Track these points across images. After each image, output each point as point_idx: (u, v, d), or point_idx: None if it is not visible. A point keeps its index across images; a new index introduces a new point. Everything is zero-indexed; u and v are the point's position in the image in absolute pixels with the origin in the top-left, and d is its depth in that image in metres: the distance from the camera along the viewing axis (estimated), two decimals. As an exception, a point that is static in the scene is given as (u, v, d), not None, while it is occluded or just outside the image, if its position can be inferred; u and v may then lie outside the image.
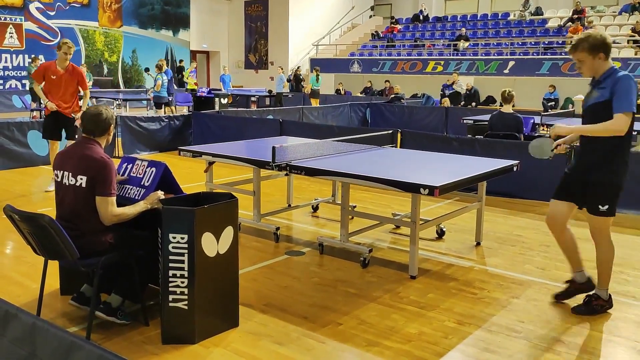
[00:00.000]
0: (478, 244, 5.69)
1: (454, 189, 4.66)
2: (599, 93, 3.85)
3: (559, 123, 4.26)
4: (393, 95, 17.99)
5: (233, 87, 21.50)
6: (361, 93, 22.50)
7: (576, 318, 4.03)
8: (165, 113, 14.56)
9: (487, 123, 8.68)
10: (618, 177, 3.93)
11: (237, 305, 3.79)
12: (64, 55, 7.41)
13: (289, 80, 22.77)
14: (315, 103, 18.24)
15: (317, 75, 19.67)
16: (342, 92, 22.53)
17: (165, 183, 3.98)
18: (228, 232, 3.61)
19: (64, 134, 7.86)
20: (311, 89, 19.48)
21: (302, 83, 22.39)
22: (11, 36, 20.18)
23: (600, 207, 3.95)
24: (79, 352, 1.89)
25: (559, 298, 4.29)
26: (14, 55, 20.26)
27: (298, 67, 23.82)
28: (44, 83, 7.64)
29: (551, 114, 12.48)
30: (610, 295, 4.13)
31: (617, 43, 19.62)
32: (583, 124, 4.01)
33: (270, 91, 20.08)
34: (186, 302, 3.49)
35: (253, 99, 19.51)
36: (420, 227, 4.82)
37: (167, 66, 19.61)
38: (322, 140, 6.27)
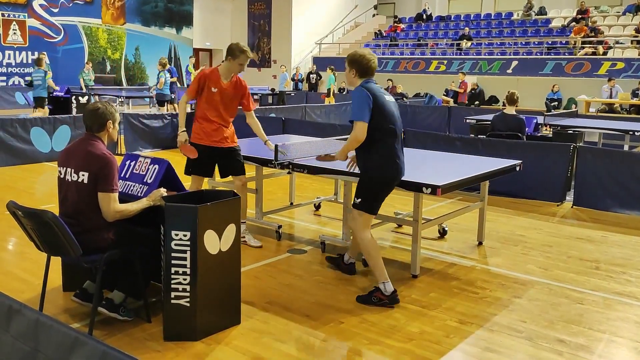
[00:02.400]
0: (480, 243, 5.68)
1: (456, 188, 4.66)
2: None
3: None
4: (395, 94, 17.97)
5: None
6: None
7: (577, 318, 4.03)
8: (167, 110, 14.57)
9: (489, 123, 8.67)
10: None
11: (239, 302, 3.80)
12: (238, 68, 5.16)
13: (300, 80, 22.78)
14: (332, 101, 18.22)
15: (334, 75, 19.92)
16: (345, 91, 22.50)
17: (168, 180, 3.98)
18: (230, 230, 3.62)
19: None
20: (327, 89, 19.61)
21: (318, 82, 22.29)
22: (14, 33, 20.19)
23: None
24: (82, 348, 1.90)
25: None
26: (17, 52, 20.26)
27: (297, 68, 23.79)
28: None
29: (554, 114, 12.46)
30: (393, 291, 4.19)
31: (621, 43, 19.58)
32: None
33: (273, 89, 20.10)
34: (188, 299, 3.50)
35: (255, 97, 19.52)
36: (422, 226, 4.82)
37: (171, 64, 19.67)
38: (324, 138, 6.27)
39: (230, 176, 5.47)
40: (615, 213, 6.95)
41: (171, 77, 15.13)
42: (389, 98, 4.25)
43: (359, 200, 4.17)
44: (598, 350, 3.57)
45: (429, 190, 4.34)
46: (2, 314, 2.26)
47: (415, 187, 4.45)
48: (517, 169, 5.54)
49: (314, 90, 21.75)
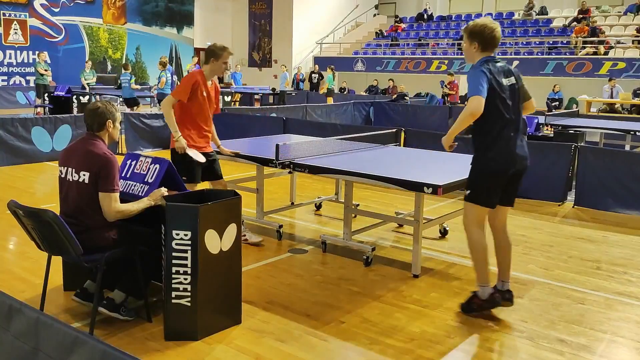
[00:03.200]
0: (481, 243, 5.67)
1: (457, 188, 4.64)
2: None
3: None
4: (397, 94, 17.96)
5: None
6: (365, 92, 22.47)
7: (578, 318, 4.02)
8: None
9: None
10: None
11: (240, 302, 3.80)
12: (223, 67, 5.12)
13: (302, 80, 22.81)
14: (330, 101, 18.22)
15: (333, 74, 19.93)
16: (346, 91, 22.51)
17: (169, 180, 3.98)
18: (231, 229, 3.61)
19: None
20: (327, 88, 19.62)
21: (320, 82, 22.32)
22: (15, 32, 20.19)
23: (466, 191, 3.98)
24: (82, 347, 1.90)
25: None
26: (18, 52, 20.26)
27: (299, 67, 23.79)
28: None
29: (555, 114, 12.46)
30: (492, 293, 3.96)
31: (622, 43, 19.57)
32: None
33: (273, 89, 20.11)
34: (189, 299, 3.50)
35: (257, 96, 19.52)
36: (423, 226, 4.81)
37: (171, 63, 19.70)
38: (325, 138, 6.27)
39: (207, 181, 5.21)
40: (617, 213, 6.94)
41: (171, 76, 15.22)
42: (508, 81, 3.82)
43: (469, 192, 3.91)
44: (599, 351, 3.56)
45: (430, 189, 4.33)
46: (3, 313, 2.26)
47: (417, 187, 4.45)
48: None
49: (315, 90, 21.76)
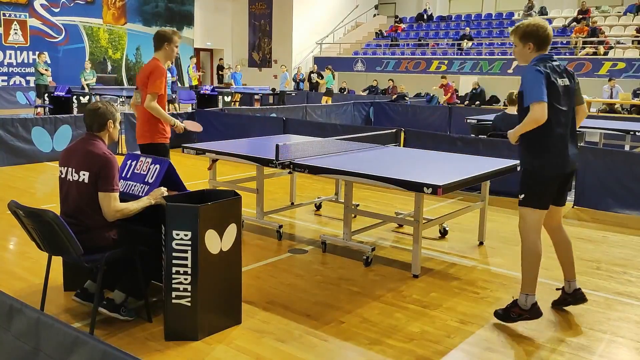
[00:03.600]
0: (481, 243, 5.68)
1: (457, 188, 4.65)
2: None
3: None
4: (397, 95, 17.97)
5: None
6: (363, 91, 22.49)
7: (578, 318, 4.02)
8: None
9: (490, 123, 8.67)
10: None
11: (240, 302, 3.80)
12: (175, 50, 5.26)
13: (302, 80, 22.85)
14: (329, 101, 18.23)
15: (333, 74, 20.23)
16: (346, 91, 22.52)
17: (169, 180, 3.99)
18: (231, 229, 3.62)
19: None
20: (326, 88, 19.68)
21: (318, 81, 22.38)
22: (16, 33, 20.20)
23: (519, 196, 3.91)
24: (83, 347, 1.90)
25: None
26: (18, 52, 20.27)
27: (299, 67, 23.82)
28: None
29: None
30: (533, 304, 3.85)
31: (622, 44, 19.58)
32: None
33: (273, 89, 20.13)
34: (189, 299, 3.50)
35: (257, 97, 19.53)
36: (423, 226, 4.82)
37: (172, 63, 19.69)
38: (325, 138, 6.27)
39: None
40: (616, 213, 6.95)
41: (171, 76, 15.26)
42: (562, 82, 3.74)
43: (523, 195, 3.82)
44: (599, 351, 3.57)
45: (430, 190, 4.33)
46: (4, 313, 2.26)
47: (416, 187, 4.45)
48: (518, 168, 5.53)
49: (315, 90, 21.79)
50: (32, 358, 2.12)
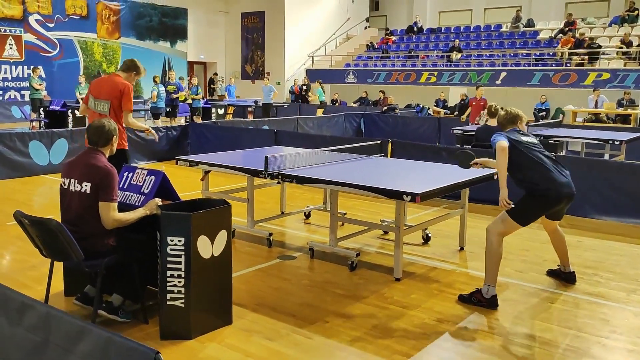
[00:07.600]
0: (461, 248, 5.96)
1: (436, 195, 4.92)
2: None
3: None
4: (387, 106, 18.30)
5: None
6: (354, 103, 22.84)
7: (547, 316, 4.30)
8: (162, 123, 14.85)
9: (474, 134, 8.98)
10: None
11: (231, 303, 4.06)
12: (134, 81, 6.41)
13: (292, 93, 23.25)
14: (320, 113, 18.54)
15: (322, 88, 20.92)
16: (338, 103, 22.86)
17: (163, 190, 4.25)
18: (222, 236, 3.89)
19: None
20: (319, 101, 20.05)
21: (308, 94, 22.77)
22: (11, 48, 20.46)
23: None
24: (88, 335, 2.16)
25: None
26: (13, 67, 20.53)
27: (295, 79, 24.19)
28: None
29: (542, 124, 12.81)
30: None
31: (607, 54, 20.01)
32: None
33: (256, 101, 20.05)
34: (183, 301, 3.76)
35: (250, 109, 19.78)
36: (404, 232, 5.09)
37: (165, 77, 19.98)
38: (313, 150, 6.55)
39: None
40: (593, 219, 7.24)
41: (180, 92, 15.94)
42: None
43: (514, 207, 4.49)
44: (564, 345, 3.85)
45: (409, 197, 4.60)
46: (15, 309, 2.52)
47: (396, 195, 4.72)
48: (496, 177, 5.81)
49: (304, 102, 22.14)
50: (43, 348, 2.38)
